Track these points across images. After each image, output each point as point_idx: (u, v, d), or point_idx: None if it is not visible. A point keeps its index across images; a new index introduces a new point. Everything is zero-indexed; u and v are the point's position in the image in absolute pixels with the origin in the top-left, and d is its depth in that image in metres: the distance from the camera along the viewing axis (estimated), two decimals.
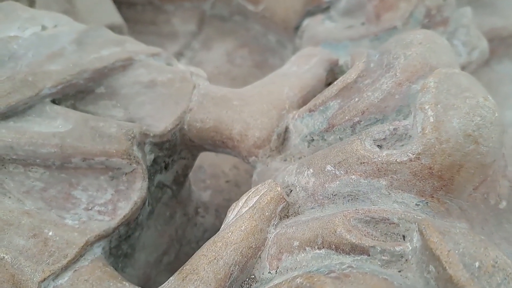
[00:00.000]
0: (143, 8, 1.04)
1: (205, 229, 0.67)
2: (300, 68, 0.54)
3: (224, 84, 0.71)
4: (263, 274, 0.37)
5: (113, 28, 0.89)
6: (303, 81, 0.52)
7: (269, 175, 0.47)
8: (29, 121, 0.46)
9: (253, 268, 0.38)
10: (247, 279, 0.38)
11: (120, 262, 0.48)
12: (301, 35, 0.78)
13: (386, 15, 0.56)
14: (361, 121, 0.40)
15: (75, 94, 0.49)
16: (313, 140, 0.45)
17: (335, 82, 0.43)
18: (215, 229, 0.67)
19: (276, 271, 0.36)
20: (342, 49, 0.60)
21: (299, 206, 0.40)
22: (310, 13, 0.78)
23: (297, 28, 0.82)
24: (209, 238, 0.67)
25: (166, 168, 0.54)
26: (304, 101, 0.51)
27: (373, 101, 0.40)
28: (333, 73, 0.57)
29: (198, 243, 0.65)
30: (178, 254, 0.62)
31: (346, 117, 0.41)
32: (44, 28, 0.55)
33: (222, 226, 0.42)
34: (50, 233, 0.40)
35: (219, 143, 0.51)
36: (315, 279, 0.29)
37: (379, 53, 0.42)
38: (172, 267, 0.61)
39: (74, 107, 0.50)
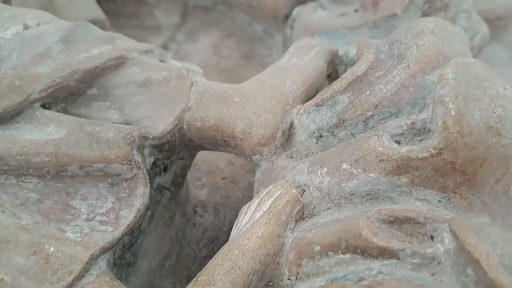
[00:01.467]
0: (123, 1, 1.00)
1: (205, 228, 0.65)
2: (300, 60, 0.52)
3: (212, 77, 0.68)
4: (282, 281, 0.36)
5: (95, 23, 0.85)
6: (305, 74, 0.50)
7: (275, 173, 0.46)
8: (19, 129, 0.43)
9: (271, 275, 0.36)
10: (265, 286, 0.36)
11: (123, 272, 0.46)
12: (292, 24, 0.75)
13: (384, 2, 0.55)
14: (374, 115, 0.39)
15: (66, 97, 0.46)
16: (321, 136, 0.43)
17: (343, 75, 0.41)
18: (215, 228, 0.66)
19: (296, 278, 0.35)
20: (340, 39, 0.58)
21: (314, 207, 0.38)
22: (300, 2, 0.76)
23: (286, 17, 0.80)
24: (209, 238, 0.66)
25: (165, 170, 0.52)
26: (307, 95, 0.49)
27: (386, 94, 0.38)
28: (332, 64, 0.55)
29: (199, 244, 0.63)
30: (179, 257, 0.60)
31: (358, 112, 0.40)
32: (26, 27, 0.51)
33: (234, 231, 0.40)
34: (52, 249, 0.38)
35: (220, 142, 0.49)
36: None
37: (388, 43, 0.40)
38: (174, 271, 0.59)
39: (65, 111, 0.47)
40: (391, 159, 0.34)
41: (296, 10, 0.76)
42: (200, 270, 0.62)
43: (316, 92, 0.51)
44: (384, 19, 0.54)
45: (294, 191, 0.37)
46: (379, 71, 0.39)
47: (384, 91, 0.38)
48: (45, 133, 0.43)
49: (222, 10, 1.01)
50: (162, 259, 0.56)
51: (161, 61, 0.52)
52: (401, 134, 0.36)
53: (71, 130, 0.42)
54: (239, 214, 0.41)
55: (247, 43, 0.97)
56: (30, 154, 0.41)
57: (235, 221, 0.41)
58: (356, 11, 0.67)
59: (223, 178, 0.72)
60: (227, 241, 0.65)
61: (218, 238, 0.64)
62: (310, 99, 0.50)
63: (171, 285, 0.57)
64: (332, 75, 0.55)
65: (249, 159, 0.49)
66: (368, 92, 0.39)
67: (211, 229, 0.65)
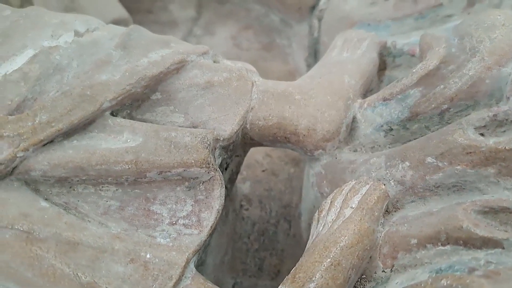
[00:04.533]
0: None
1: (253, 222, 0.66)
2: (353, 53, 0.53)
3: None
4: (375, 273, 0.37)
5: (119, 22, 0.84)
6: (361, 68, 0.51)
7: (342, 167, 0.47)
8: (93, 138, 0.43)
9: (364, 269, 0.37)
10: (359, 279, 0.37)
11: (199, 271, 0.47)
12: (320, 15, 0.76)
13: None
14: (450, 108, 0.40)
15: (131, 103, 0.47)
16: (391, 129, 0.44)
17: (414, 70, 0.42)
18: (262, 221, 0.67)
19: (391, 270, 0.36)
20: (383, 30, 0.59)
21: (397, 201, 0.40)
22: None
23: (312, 7, 0.80)
24: (259, 231, 0.67)
25: (226, 168, 0.52)
26: (364, 88, 0.50)
27: (462, 87, 0.39)
28: (381, 55, 0.56)
29: (250, 238, 0.64)
30: (233, 252, 0.62)
31: (433, 105, 0.41)
32: (77, 33, 0.51)
33: (318, 227, 0.41)
34: (148, 256, 0.38)
35: (281, 139, 0.50)
36: (468, 281, 0.29)
37: (457, 36, 0.42)
38: (231, 266, 0.61)
39: (130, 117, 0.47)
40: (478, 151, 0.36)
41: (323, 1, 0.76)
42: (254, 263, 0.63)
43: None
44: (430, 9, 0.55)
45: (383, 186, 0.38)
46: (452, 65, 0.40)
47: (460, 84, 0.39)
48: (120, 141, 0.43)
49: (237, 1, 1.01)
50: (223, 255, 0.57)
51: (215, 61, 0.53)
52: (484, 126, 0.37)
53: (147, 136, 0.43)
54: (319, 210, 0.42)
55: (266, 34, 0.97)
56: (110, 163, 0.41)
57: (315, 217, 0.43)
58: None
59: (263, 171, 0.73)
60: (276, 233, 0.67)
61: (268, 231, 0.65)
62: (366, 92, 0.51)
63: (232, 280, 0.59)
64: (380, 66, 0.56)
65: (309, 154, 0.51)
66: (442, 86, 0.40)
67: (259, 222, 0.66)
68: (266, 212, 0.68)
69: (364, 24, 0.61)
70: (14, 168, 0.41)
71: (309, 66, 0.85)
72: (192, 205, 0.44)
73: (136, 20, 0.95)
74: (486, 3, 0.54)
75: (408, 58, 0.56)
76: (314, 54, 0.81)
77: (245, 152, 0.57)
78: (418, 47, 0.46)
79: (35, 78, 0.45)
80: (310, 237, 0.41)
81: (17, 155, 0.40)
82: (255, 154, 0.75)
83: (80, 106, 0.43)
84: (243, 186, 0.70)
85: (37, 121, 0.41)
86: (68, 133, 0.43)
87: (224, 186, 0.45)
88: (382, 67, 0.57)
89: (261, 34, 0.97)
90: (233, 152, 0.52)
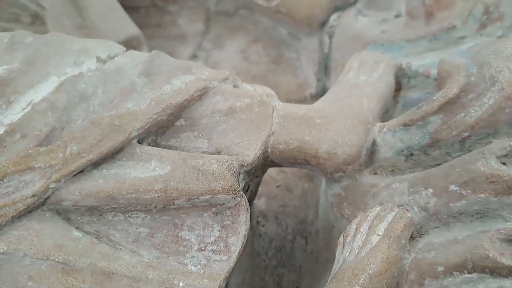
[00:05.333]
0: (146, 11, 1.00)
1: (270, 238, 0.67)
2: (370, 76, 0.54)
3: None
4: None
5: (132, 39, 0.86)
6: (378, 91, 0.52)
7: (363, 190, 0.48)
8: (122, 166, 0.45)
9: None
10: None
11: None
12: (331, 31, 0.77)
13: (441, 14, 0.57)
14: (471, 136, 0.41)
15: (156, 130, 0.48)
16: (412, 154, 0.45)
17: (434, 97, 0.44)
18: (279, 238, 0.68)
19: None
20: (398, 50, 0.60)
21: (421, 227, 0.41)
22: (337, 9, 0.77)
23: (322, 23, 0.81)
24: (276, 248, 0.68)
25: (247, 190, 0.54)
26: (382, 111, 0.52)
27: (482, 116, 0.40)
28: (396, 76, 0.57)
29: (267, 254, 0.66)
30: (252, 269, 0.63)
31: (454, 133, 0.42)
32: (99, 59, 0.52)
33: (345, 253, 0.42)
34: (181, 284, 0.39)
35: (301, 161, 0.51)
36: None
37: (476, 65, 0.43)
38: (251, 284, 0.62)
39: (155, 143, 0.48)
40: (501, 180, 0.37)
41: (334, 17, 0.78)
42: (273, 280, 0.65)
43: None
44: (443, 32, 0.56)
45: (410, 215, 0.40)
46: (472, 94, 0.42)
47: (480, 112, 0.41)
48: (148, 169, 0.44)
49: (244, 15, 1.02)
50: (244, 274, 0.58)
51: (234, 85, 0.54)
52: (505, 155, 0.38)
53: (175, 165, 0.44)
54: (344, 235, 0.43)
55: (274, 47, 0.98)
56: (140, 192, 0.42)
57: (340, 241, 0.44)
58: (397, 16, 0.69)
59: (278, 186, 0.74)
60: (293, 249, 0.68)
61: (285, 247, 0.66)
62: (383, 114, 0.52)
63: None
64: (395, 87, 0.58)
65: (329, 176, 0.52)
66: (462, 114, 0.42)
67: (276, 239, 0.67)
68: (282, 229, 0.69)
69: (378, 45, 0.62)
70: (46, 199, 0.42)
71: (319, 81, 0.86)
72: (219, 231, 0.45)
73: (146, 34, 0.97)
74: (498, 25, 0.56)
75: (423, 79, 0.58)
76: (325, 70, 0.82)
77: (264, 172, 0.58)
78: (437, 74, 0.47)
79: (62, 107, 0.46)
80: (336, 262, 0.42)
81: (50, 187, 0.41)
82: (269, 170, 0.76)
83: (109, 136, 0.44)
84: (258, 202, 0.72)
85: (68, 152, 0.42)
86: (98, 162, 0.44)
87: (249, 211, 0.46)
88: (397, 87, 0.58)
89: (270, 47, 0.98)
90: (254, 174, 0.53)
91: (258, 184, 0.58)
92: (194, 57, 0.97)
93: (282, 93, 0.93)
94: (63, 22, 0.80)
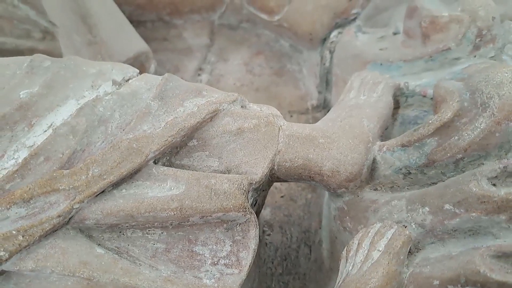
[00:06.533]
0: (153, 25, 1.03)
1: (275, 247, 0.70)
2: (369, 96, 0.57)
3: (249, 97, 0.72)
4: None
5: (140, 55, 0.89)
6: (378, 111, 0.55)
7: (364, 205, 0.51)
8: (140, 186, 0.48)
9: None
10: None
11: None
12: (332, 47, 0.80)
13: (436, 36, 0.60)
14: (464, 158, 0.45)
15: (171, 151, 0.51)
16: (410, 173, 0.49)
17: (430, 121, 0.47)
18: (285, 247, 0.71)
19: None
20: (395, 70, 0.63)
21: (418, 242, 0.44)
22: (338, 26, 0.81)
23: (323, 39, 0.84)
24: (281, 256, 0.71)
25: (254, 205, 0.57)
26: (381, 130, 0.55)
27: (474, 140, 0.44)
28: (394, 95, 0.61)
29: (273, 263, 0.69)
30: (259, 277, 0.66)
31: (448, 154, 0.45)
32: (115, 82, 0.55)
33: (347, 266, 0.45)
34: None
35: (305, 178, 0.55)
36: None
37: (469, 91, 0.46)
38: None
39: (170, 163, 0.52)
40: (491, 201, 0.40)
41: (334, 33, 0.81)
42: (279, 287, 0.68)
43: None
44: (439, 53, 0.59)
45: (408, 232, 0.43)
46: (465, 118, 0.45)
47: (472, 136, 0.44)
48: (165, 188, 0.48)
49: (247, 28, 1.05)
50: (252, 283, 0.61)
51: (242, 106, 0.57)
52: (495, 177, 0.42)
53: (189, 184, 0.47)
54: (347, 249, 0.47)
55: (276, 60, 1.02)
56: (158, 210, 0.46)
57: (343, 255, 0.47)
58: (395, 34, 0.73)
59: (282, 197, 0.77)
60: (297, 258, 0.71)
61: (290, 256, 0.70)
62: (383, 133, 0.56)
63: None
64: (393, 105, 0.61)
65: (332, 191, 0.55)
66: (456, 137, 0.45)
67: (282, 247, 0.71)
68: (287, 238, 0.72)
69: (377, 64, 0.65)
70: (70, 218, 0.45)
71: (321, 93, 0.89)
72: (230, 245, 0.48)
73: (152, 48, 1.00)
74: (490, 46, 0.59)
75: (420, 98, 0.61)
76: (326, 83, 0.86)
77: (270, 186, 0.61)
78: (433, 98, 0.50)
79: (82, 131, 0.49)
80: (340, 274, 0.46)
81: (74, 207, 0.44)
82: None
83: (128, 159, 0.47)
84: (264, 212, 0.75)
85: (90, 174, 0.46)
86: (118, 183, 0.47)
87: (258, 226, 0.49)
88: (395, 106, 0.62)
89: (272, 60, 1.02)
90: (261, 189, 0.56)
91: (264, 197, 0.62)
92: (199, 70, 1.01)
93: (285, 104, 0.97)
94: (73, 38, 0.83)
